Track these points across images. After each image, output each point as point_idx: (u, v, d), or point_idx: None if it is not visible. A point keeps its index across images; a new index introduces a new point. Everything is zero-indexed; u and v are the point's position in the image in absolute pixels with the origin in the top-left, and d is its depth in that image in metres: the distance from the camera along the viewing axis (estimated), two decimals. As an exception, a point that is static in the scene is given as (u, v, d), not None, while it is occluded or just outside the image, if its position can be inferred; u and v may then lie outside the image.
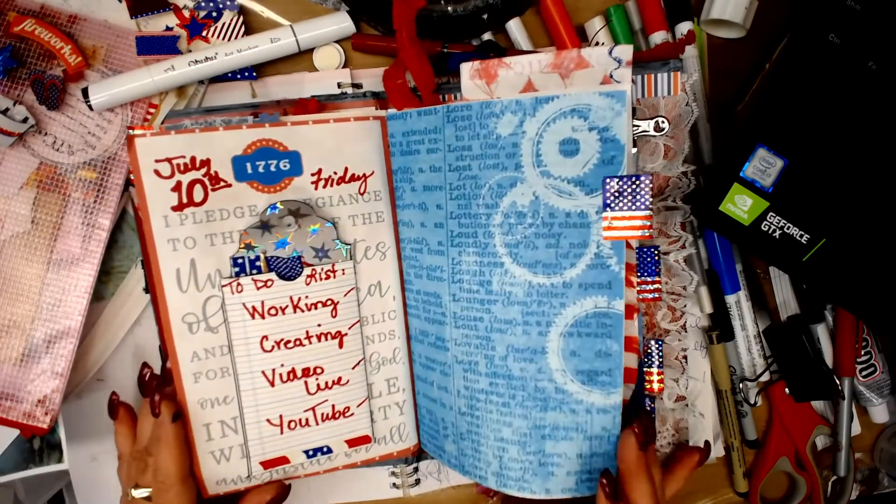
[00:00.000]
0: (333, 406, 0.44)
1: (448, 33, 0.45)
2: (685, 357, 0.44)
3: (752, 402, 0.51)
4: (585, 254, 0.37)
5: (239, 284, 0.41)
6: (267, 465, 0.43)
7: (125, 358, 0.48)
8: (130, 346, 0.47)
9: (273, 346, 0.42)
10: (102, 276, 0.46)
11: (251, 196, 0.41)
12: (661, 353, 0.40)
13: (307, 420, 0.44)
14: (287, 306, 0.42)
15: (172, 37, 0.44)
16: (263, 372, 0.42)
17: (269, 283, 0.42)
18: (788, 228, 0.41)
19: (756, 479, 0.53)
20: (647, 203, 0.35)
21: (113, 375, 0.48)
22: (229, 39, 0.44)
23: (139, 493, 0.39)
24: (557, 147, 0.37)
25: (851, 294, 0.42)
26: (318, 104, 0.43)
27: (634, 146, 0.39)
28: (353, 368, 0.44)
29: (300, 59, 0.46)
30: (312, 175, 0.42)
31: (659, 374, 0.40)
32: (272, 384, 0.42)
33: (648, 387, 0.40)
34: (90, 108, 0.42)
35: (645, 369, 0.40)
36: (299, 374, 0.43)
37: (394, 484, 0.51)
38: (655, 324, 0.43)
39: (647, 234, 0.36)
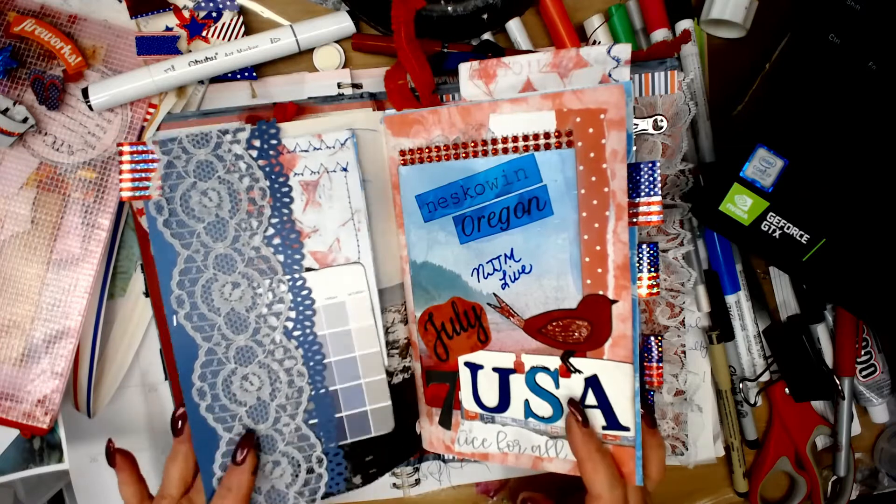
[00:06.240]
0: None
1: (448, 33, 0.45)
2: (684, 352, 0.44)
3: (752, 402, 0.51)
4: None
5: None
6: None
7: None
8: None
9: None
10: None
11: None
12: (660, 349, 0.41)
13: None
14: None
15: (172, 37, 0.44)
16: None
17: None
18: (788, 228, 0.40)
19: (756, 479, 0.53)
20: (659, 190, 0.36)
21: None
22: (229, 39, 0.44)
23: None
24: None
25: (851, 294, 0.42)
26: (297, 108, 0.43)
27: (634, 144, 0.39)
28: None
29: (300, 59, 0.46)
30: None
31: (658, 368, 0.40)
32: None
33: (648, 381, 0.40)
34: (90, 108, 0.42)
35: (645, 364, 0.40)
36: None
37: (394, 484, 0.51)
38: (654, 320, 0.43)
39: (660, 220, 0.36)
